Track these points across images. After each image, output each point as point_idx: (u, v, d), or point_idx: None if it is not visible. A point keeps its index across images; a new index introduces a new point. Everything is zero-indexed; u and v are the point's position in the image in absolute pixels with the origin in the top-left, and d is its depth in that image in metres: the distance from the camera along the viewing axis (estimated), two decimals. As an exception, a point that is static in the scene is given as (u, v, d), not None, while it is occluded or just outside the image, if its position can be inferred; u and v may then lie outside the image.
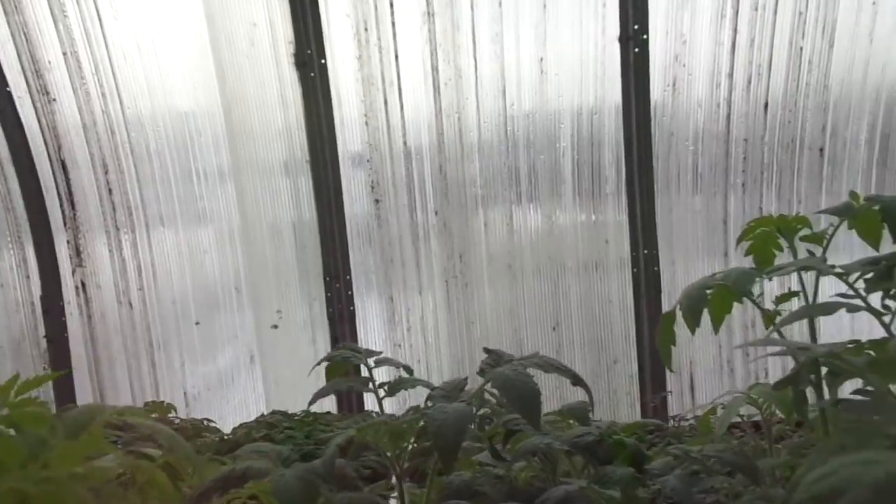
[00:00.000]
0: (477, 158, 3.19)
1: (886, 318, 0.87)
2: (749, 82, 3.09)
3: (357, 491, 1.12)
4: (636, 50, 3.03)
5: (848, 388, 0.83)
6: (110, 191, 3.03)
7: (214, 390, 3.25)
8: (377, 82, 3.06)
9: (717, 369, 3.30)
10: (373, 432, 0.99)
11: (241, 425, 2.57)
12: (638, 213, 3.20)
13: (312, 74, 3.00)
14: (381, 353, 1.26)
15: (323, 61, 3.00)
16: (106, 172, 2.99)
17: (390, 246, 3.22)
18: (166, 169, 3.08)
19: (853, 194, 1.07)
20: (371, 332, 3.29)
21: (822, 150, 3.16)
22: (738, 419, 1.68)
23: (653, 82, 3.09)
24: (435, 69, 3.05)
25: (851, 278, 1.00)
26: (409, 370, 1.29)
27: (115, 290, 3.12)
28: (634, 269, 3.24)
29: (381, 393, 1.17)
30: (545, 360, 1.06)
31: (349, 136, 3.13)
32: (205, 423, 2.65)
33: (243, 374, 3.29)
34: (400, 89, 3.07)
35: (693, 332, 1.19)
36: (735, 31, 3.04)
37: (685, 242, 3.26)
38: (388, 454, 1.06)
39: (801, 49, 3.04)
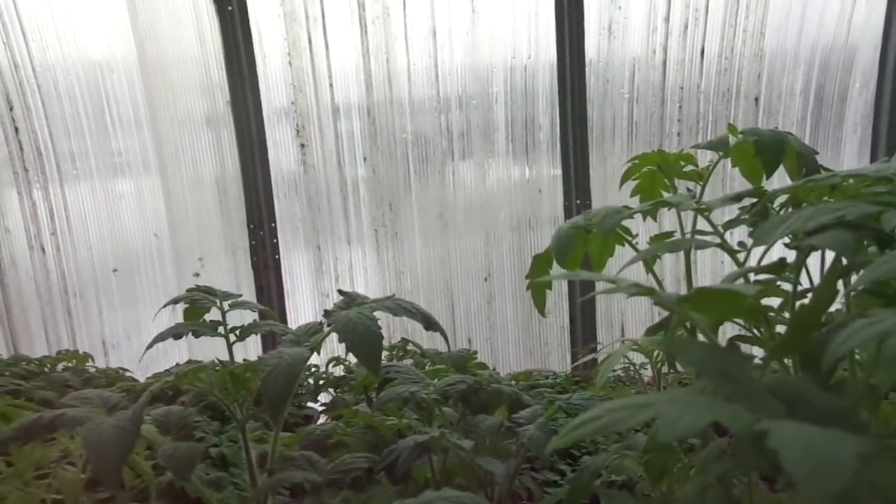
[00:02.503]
0: (406, 103, 3.06)
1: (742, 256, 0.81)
2: (686, 27, 3.01)
3: (195, 441, 1.05)
4: (570, -10, 2.92)
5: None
6: (17, 129, 2.84)
7: (134, 339, 3.14)
8: (300, 18, 2.89)
9: (648, 319, 3.27)
10: (192, 378, 0.91)
11: (153, 375, 2.48)
12: (571, 163, 3.13)
13: (230, 8, 2.82)
14: (240, 296, 1.17)
15: (241, -6, 2.84)
16: (11, 109, 2.80)
17: (317, 194, 3.11)
18: (77, 108, 2.89)
19: (731, 127, 1.00)
20: (298, 281, 3.19)
21: (757, 99, 3.11)
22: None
23: (588, 26, 2.99)
24: (361, 5, 2.90)
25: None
26: (269, 314, 1.21)
27: (25, 235, 2.96)
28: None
29: (233, 338, 1.09)
30: (397, 303, 0.99)
31: (272, 76, 2.98)
32: (120, 372, 2.56)
33: (164, 322, 3.17)
34: (324, 26, 2.92)
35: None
36: (672, -28, 2.94)
37: (620, 193, 3.21)
38: (228, 401, 0.98)
39: (739, -8, 2.96)
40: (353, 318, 0.92)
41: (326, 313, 0.98)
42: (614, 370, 2.49)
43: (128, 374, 2.53)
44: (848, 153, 3.30)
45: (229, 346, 1.08)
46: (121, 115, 3.01)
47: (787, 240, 0.70)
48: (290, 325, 3.29)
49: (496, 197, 3.23)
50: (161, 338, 1.02)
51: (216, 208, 3.09)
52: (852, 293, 0.66)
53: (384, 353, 2.36)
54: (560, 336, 3.32)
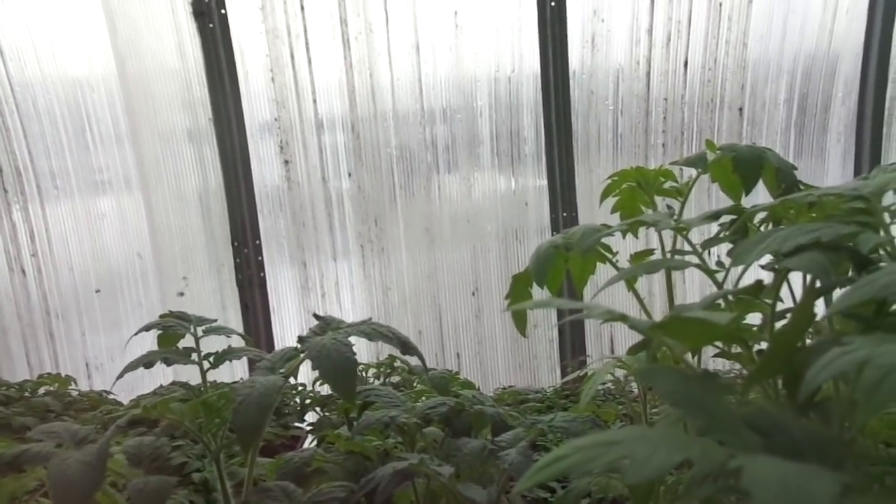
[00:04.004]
0: (391, 118, 3.05)
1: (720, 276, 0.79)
2: (669, 39, 3.01)
3: (172, 473, 1.02)
4: (553, 4, 2.92)
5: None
6: (-5, 150, 2.81)
7: (118, 361, 3.09)
8: (282, 35, 2.88)
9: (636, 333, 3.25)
10: (162, 409, 0.88)
11: (137, 397, 2.44)
12: (557, 175, 3.12)
13: (211, 25, 2.81)
14: (215, 321, 1.14)
15: (223, 11, 2.81)
16: (-11, 130, 2.77)
17: (302, 210, 3.08)
18: (57, 126, 2.86)
19: (709, 144, 0.99)
20: (283, 298, 3.16)
21: (741, 109, 3.12)
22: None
23: (571, 38, 2.99)
24: (344, 22, 2.89)
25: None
26: (246, 339, 1.19)
27: (5, 257, 2.91)
28: (554, 233, 3.17)
29: (207, 365, 1.07)
30: (373, 328, 0.97)
31: (254, 92, 2.96)
32: (103, 395, 2.52)
33: (148, 343, 3.13)
34: (307, 43, 2.91)
35: (553, 291, 1.12)
36: (654, -16, 2.95)
37: (606, 205, 3.20)
38: (201, 432, 0.95)
39: (721, 4, 2.97)
40: (326, 345, 0.90)
41: (301, 339, 0.95)
42: (602, 383, 2.48)
43: (111, 396, 2.48)
44: (832, 162, 3.31)
45: (203, 373, 1.05)
46: (101, 133, 2.98)
47: (764, 260, 0.69)
48: (276, 343, 3.25)
49: (482, 210, 3.22)
50: (132, 367, 0.99)
51: (200, 226, 3.06)
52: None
53: (371, 371, 2.34)
54: (549, 349, 3.30)
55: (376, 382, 2.28)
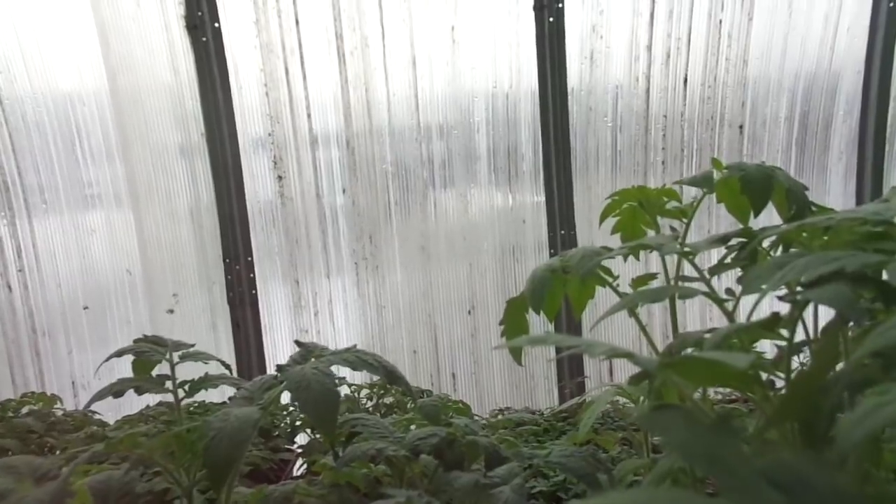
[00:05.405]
0: (386, 134, 3.01)
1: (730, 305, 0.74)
2: (668, 56, 2.98)
3: (152, 502, 0.95)
4: (551, 19, 2.88)
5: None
6: (-17, 165, 2.76)
7: (106, 380, 3.02)
8: (277, 49, 2.84)
9: (637, 350, 3.19)
10: (129, 444, 0.82)
11: (123, 418, 2.38)
12: (555, 192, 3.07)
13: (205, 39, 2.77)
14: (193, 345, 1.08)
15: (216, 25, 2.77)
16: (-24, 144, 2.72)
17: (295, 226, 3.03)
18: (46, 141, 2.82)
19: (715, 162, 0.93)
20: (276, 316, 3.10)
21: (741, 127, 3.08)
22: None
23: (569, 54, 2.95)
24: (339, 36, 2.85)
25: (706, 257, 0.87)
26: (226, 366, 1.13)
27: (-9, 273, 2.85)
28: (552, 251, 3.12)
29: (181, 393, 1.00)
30: (357, 356, 0.91)
31: (248, 107, 2.92)
32: (88, 415, 2.45)
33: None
34: (302, 58, 2.87)
35: (550, 317, 1.07)
36: (653, 0, 2.91)
37: (605, 223, 3.15)
38: (172, 468, 0.89)
39: (721, 21, 2.94)
40: (307, 375, 0.84)
41: (280, 368, 0.89)
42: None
43: (97, 416, 2.42)
44: (834, 180, 3.27)
45: (177, 401, 0.99)
46: (92, 147, 2.93)
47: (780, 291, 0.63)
48: (267, 362, 3.17)
49: (479, 227, 3.16)
50: (100, 396, 0.93)
51: (191, 242, 3.00)
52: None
53: (364, 392, 2.27)
54: (546, 369, 3.23)
55: (369, 404, 2.22)
